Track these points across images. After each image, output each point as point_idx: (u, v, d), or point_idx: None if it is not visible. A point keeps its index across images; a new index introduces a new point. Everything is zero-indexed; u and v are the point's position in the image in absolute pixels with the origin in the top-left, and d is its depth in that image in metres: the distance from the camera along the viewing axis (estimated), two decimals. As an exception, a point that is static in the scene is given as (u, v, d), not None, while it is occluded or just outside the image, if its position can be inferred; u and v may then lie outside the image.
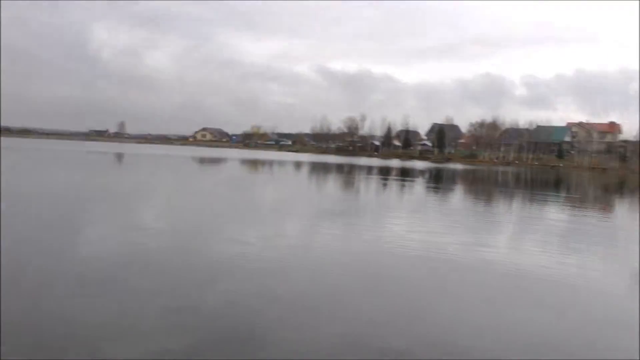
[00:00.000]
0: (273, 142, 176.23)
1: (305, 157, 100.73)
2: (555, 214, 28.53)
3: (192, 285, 10.21)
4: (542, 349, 7.93)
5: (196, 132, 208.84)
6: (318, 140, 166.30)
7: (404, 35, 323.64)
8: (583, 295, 11.38)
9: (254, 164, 70.53)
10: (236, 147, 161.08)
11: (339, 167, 69.22)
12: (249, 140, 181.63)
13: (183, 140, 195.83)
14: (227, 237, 15.93)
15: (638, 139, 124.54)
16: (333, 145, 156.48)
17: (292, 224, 19.77)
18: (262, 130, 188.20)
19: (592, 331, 9.08)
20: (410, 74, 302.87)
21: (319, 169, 66.30)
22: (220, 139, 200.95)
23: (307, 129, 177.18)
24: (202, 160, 72.49)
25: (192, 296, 9.52)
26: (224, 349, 7.29)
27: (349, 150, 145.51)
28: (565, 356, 7.79)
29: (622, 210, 36.12)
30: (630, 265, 15.31)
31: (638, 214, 31.85)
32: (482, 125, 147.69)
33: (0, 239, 13.06)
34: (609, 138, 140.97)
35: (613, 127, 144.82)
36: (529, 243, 18.15)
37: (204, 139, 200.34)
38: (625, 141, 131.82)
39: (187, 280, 10.50)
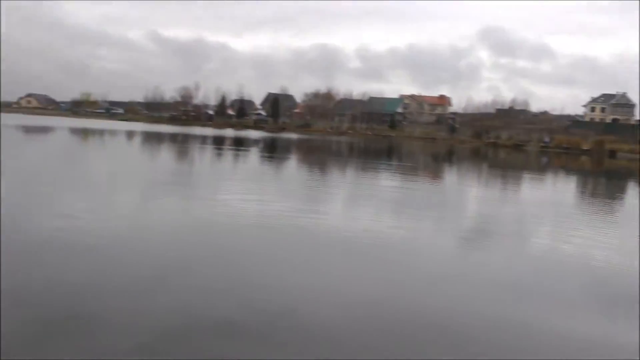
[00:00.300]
0: (103, 111, 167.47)
1: (138, 127, 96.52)
2: (387, 181, 29.21)
3: (15, 265, 9.21)
4: (368, 304, 8.50)
5: (21, 99, 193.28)
6: (151, 110, 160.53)
7: (239, 3, 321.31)
8: (414, 256, 12.07)
9: (83, 133, 66.75)
10: (65, 115, 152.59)
11: (173, 137, 66.92)
12: (78, 108, 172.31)
13: (6, 107, 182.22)
14: (54, 212, 14.32)
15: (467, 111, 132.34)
16: (166, 115, 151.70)
17: (123, 196, 18.56)
18: (92, 98, 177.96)
19: (421, 286, 9.73)
20: (245, 43, 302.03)
21: (151, 138, 63.68)
22: (47, 106, 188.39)
23: (139, 98, 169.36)
24: (28, 129, 67.54)
25: (15, 277, 8.59)
26: (51, 336, 6.62)
27: (182, 120, 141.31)
28: (390, 310, 8.26)
29: (451, 177, 37.90)
30: (455, 227, 16.32)
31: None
32: (316, 95, 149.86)
33: None
34: (439, 110, 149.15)
35: (443, 100, 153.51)
36: (361, 209, 18.58)
37: (29, 105, 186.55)
38: (454, 113, 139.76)
39: (9, 260, 9.39)
